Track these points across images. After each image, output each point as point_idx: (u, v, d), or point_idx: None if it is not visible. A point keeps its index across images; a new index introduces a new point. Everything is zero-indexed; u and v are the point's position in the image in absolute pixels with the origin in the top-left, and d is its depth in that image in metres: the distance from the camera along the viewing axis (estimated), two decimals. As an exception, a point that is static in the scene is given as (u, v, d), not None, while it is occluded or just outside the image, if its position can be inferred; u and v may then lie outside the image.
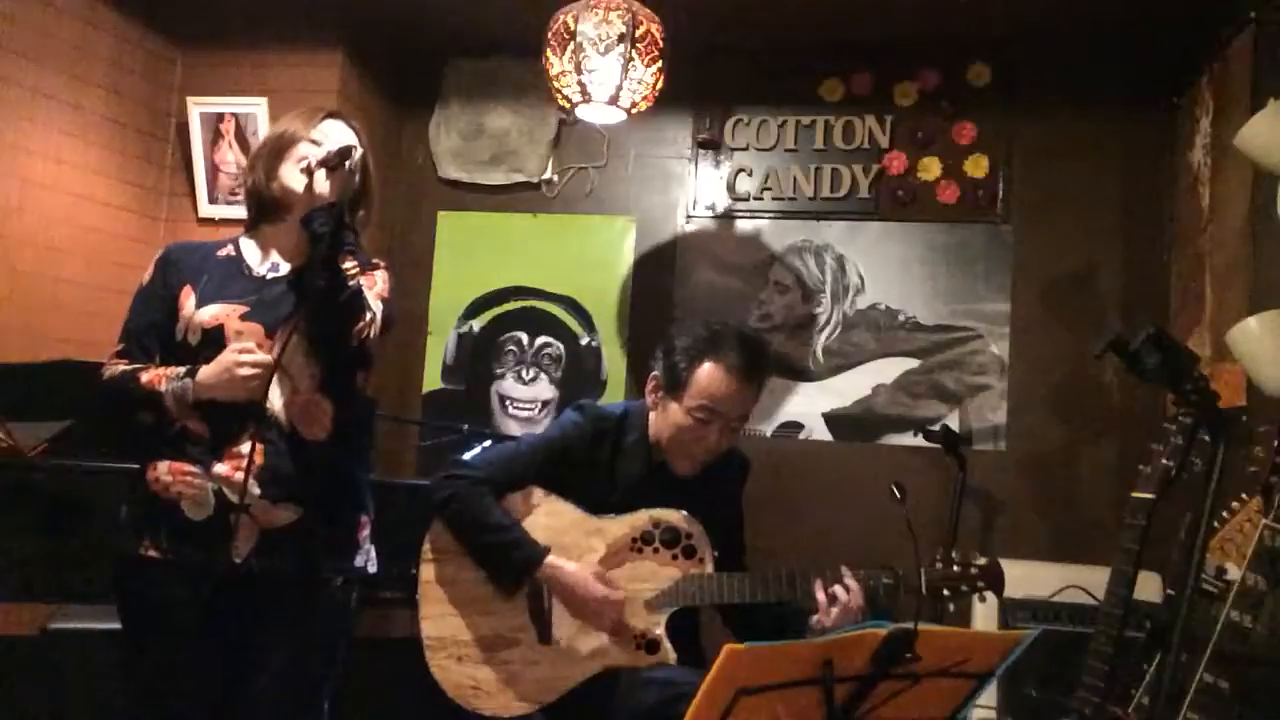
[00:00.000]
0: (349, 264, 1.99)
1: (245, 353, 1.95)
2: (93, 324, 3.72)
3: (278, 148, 2.09)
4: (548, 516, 2.32)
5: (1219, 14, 3.27)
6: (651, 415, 2.39)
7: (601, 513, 2.32)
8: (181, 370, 1.99)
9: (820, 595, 2.17)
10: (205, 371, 1.97)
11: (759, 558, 2.50)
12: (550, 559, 2.25)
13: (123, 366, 2.05)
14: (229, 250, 2.13)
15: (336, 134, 2.11)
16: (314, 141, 2.09)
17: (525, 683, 2.26)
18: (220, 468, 1.97)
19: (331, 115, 2.15)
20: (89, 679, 2.68)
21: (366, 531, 2.14)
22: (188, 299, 2.05)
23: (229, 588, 1.97)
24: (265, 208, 2.11)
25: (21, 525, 2.63)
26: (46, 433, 2.78)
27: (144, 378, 2.01)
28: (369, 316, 2.04)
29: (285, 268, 2.10)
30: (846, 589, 2.16)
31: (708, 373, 2.26)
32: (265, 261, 2.11)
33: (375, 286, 2.11)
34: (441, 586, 2.32)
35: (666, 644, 2.24)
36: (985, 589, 2.18)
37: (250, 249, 2.13)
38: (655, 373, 2.37)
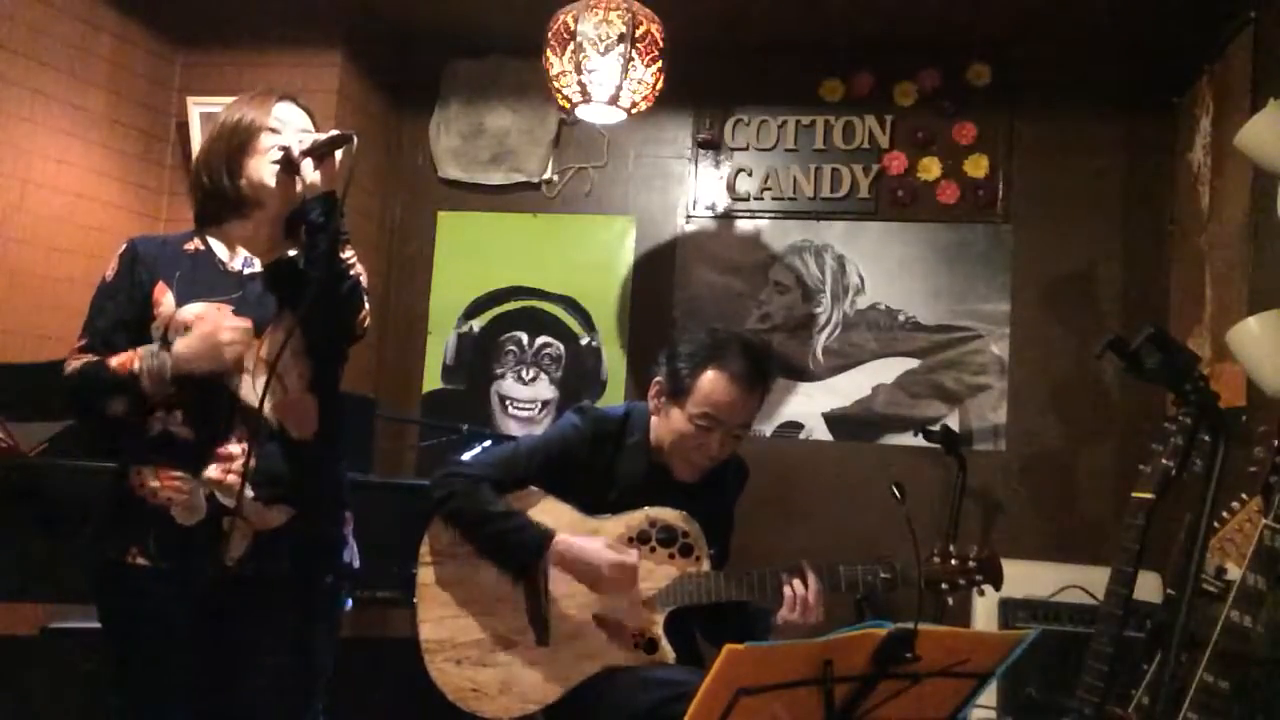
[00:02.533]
0: (347, 253, 1.97)
1: (221, 325, 1.90)
2: (93, 324, 3.72)
3: (235, 141, 2.00)
4: (545, 516, 2.32)
5: (1219, 14, 3.27)
6: (654, 419, 2.39)
7: (599, 513, 2.32)
8: (155, 347, 1.91)
9: (788, 590, 2.18)
10: (183, 343, 1.90)
11: (758, 558, 2.50)
12: (559, 536, 2.24)
13: (87, 358, 1.97)
14: (196, 244, 2.04)
15: (293, 117, 2.04)
16: (272, 130, 2.00)
17: (525, 684, 2.26)
18: (210, 471, 1.92)
19: (282, 98, 2.07)
20: (89, 679, 2.67)
21: (349, 527, 2.13)
22: (164, 296, 1.97)
23: (221, 591, 1.95)
24: (227, 205, 2.02)
25: (21, 525, 2.63)
26: (46, 433, 2.78)
27: (113, 362, 1.92)
28: (366, 306, 2.03)
29: (259, 263, 2.03)
30: (805, 583, 2.17)
31: (710, 380, 2.26)
32: (236, 257, 2.04)
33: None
34: (440, 589, 2.32)
35: (665, 643, 2.24)
36: (983, 582, 2.18)
37: (218, 245, 2.05)
38: (658, 378, 2.37)
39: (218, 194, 2.01)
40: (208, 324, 1.91)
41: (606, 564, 2.22)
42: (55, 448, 2.79)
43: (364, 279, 2.07)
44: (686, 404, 2.27)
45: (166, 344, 1.94)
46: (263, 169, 1.98)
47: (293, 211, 1.98)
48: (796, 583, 2.18)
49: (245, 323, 1.92)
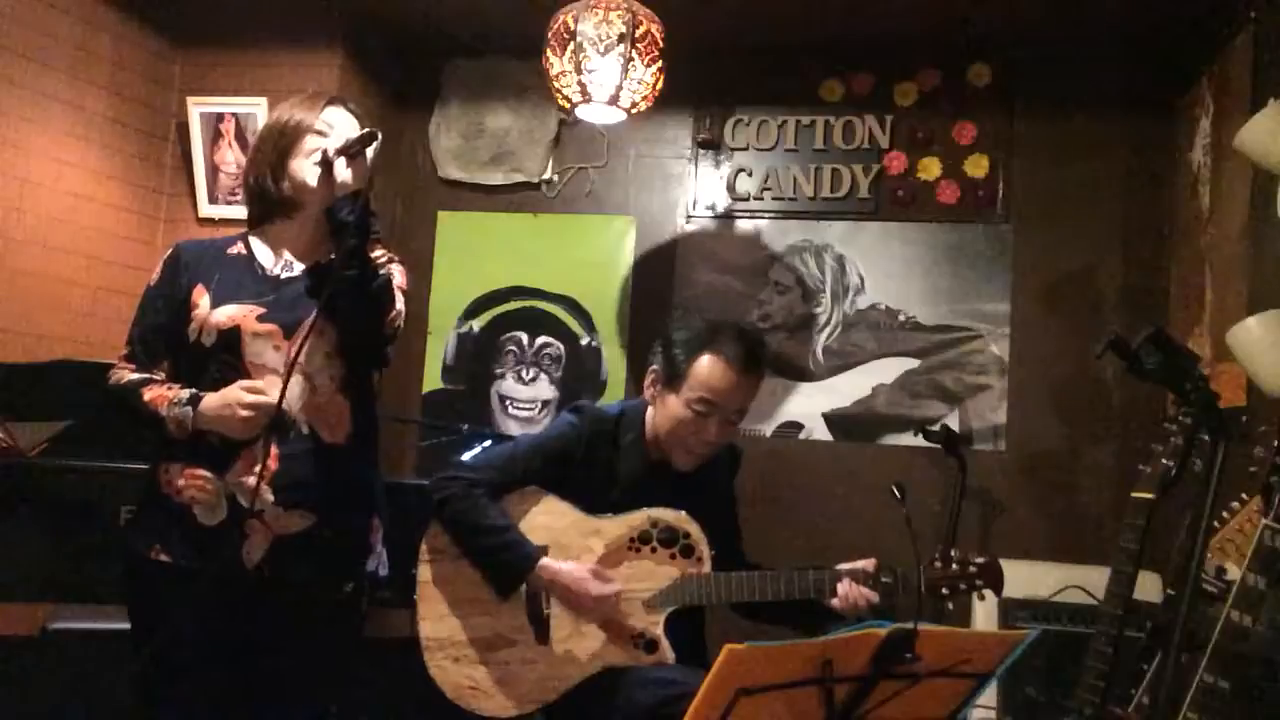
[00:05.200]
0: (378, 252, 1.97)
1: (251, 391, 1.91)
2: (93, 324, 3.72)
3: (283, 142, 2.02)
4: (546, 516, 2.32)
5: (1219, 14, 3.27)
6: (649, 410, 2.40)
7: (600, 513, 2.32)
8: (184, 396, 1.94)
9: (836, 604, 2.19)
10: (208, 403, 1.92)
11: (757, 558, 2.51)
12: (545, 560, 2.25)
13: (128, 374, 2.01)
14: (239, 248, 2.08)
15: (341, 122, 2.06)
16: (319, 132, 2.03)
17: (524, 683, 2.26)
18: (233, 472, 1.94)
19: (333, 102, 2.09)
20: (89, 679, 2.67)
21: (379, 535, 2.13)
22: (201, 298, 2.00)
23: (241, 592, 1.95)
24: (273, 206, 2.05)
25: (21, 525, 2.63)
26: (46, 433, 2.78)
27: (147, 396, 1.96)
28: (398, 307, 2.02)
29: (299, 266, 2.05)
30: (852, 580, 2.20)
31: (707, 364, 2.27)
32: (278, 261, 2.07)
33: (395, 279, 2.06)
34: (439, 587, 2.32)
35: (665, 643, 2.24)
36: (984, 587, 2.19)
37: (260, 248, 2.08)
38: (654, 366, 2.38)
39: (263, 195, 2.04)
40: (231, 396, 1.92)
41: (587, 596, 2.23)
42: (55, 448, 2.79)
43: (402, 277, 2.09)
44: (683, 389, 2.28)
45: (200, 348, 1.97)
46: (305, 170, 2.00)
47: (325, 208, 1.98)
48: (840, 588, 2.19)
49: (268, 400, 1.91)
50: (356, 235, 1.89)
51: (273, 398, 1.90)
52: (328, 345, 2.00)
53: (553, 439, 2.39)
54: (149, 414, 1.95)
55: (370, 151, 1.96)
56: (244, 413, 1.90)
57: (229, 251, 2.07)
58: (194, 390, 1.95)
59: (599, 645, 2.26)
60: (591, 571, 2.25)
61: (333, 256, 1.98)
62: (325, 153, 1.98)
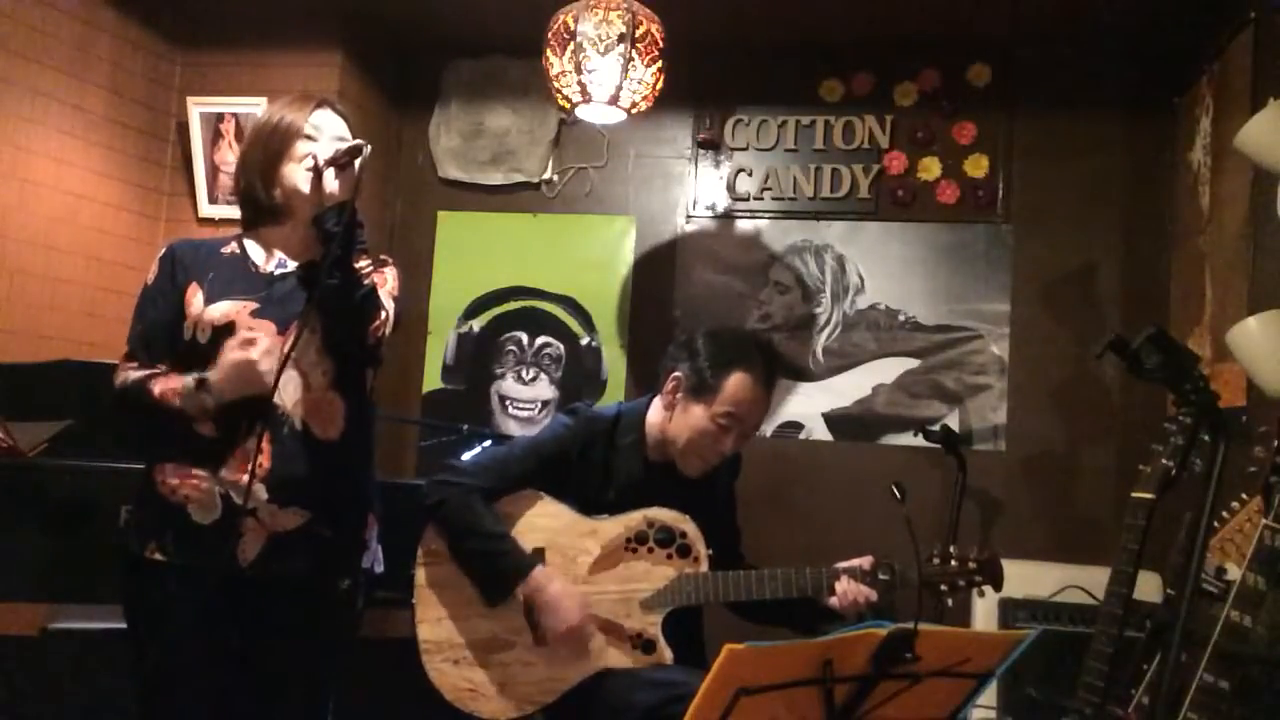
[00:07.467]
0: (363, 262, 1.97)
1: (249, 345, 1.89)
2: (93, 324, 3.72)
3: (272, 146, 2.01)
4: (543, 517, 2.32)
5: (1219, 14, 3.27)
6: (658, 413, 2.39)
7: (597, 513, 2.32)
8: (191, 382, 1.92)
9: (834, 602, 2.19)
10: (217, 376, 1.91)
11: (757, 558, 2.51)
12: (536, 573, 2.24)
13: (133, 374, 2.00)
14: (233, 248, 2.08)
15: (330, 124, 2.06)
16: (309, 136, 2.02)
17: (522, 685, 2.26)
18: (227, 470, 1.93)
19: (321, 104, 2.08)
20: (89, 679, 2.67)
21: (374, 531, 2.13)
22: (195, 296, 2.00)
23: (236, 591, 1.95)
24: (263, 211, 2.05)
25: (21, 525, 2.63)
26: (46, 433, 2.78)
27: (156, 390, 1.95)
28: (384, 315, 2.02)
29: (292, 264, 2.05)
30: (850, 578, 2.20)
31: (738, 381, 2.28)
32: (270, 259, 2.07)
33: (386, 284, 2.07)
34: (437, 589, 2.32)
35: (663, 644, 2.24)
36: (984, 583, 2.19)
37: (254, 247, 2.08)
38: (678, 373, 2.36)
39: (253, 200, 2.05)
40: (228, 359, 1.90)
41: (558, 630, 2.22)
42: (55, 448, 2.79)
43: (394, 282, 2.10)
44: (713, 402, 2.29)
45: (196, 345, 1.96)
46: (296, 176, 2.00)
47: (312, 218, 1.98)
48: (839, 585, 2.20)
49: (268, 336, 1.91)
50: (342, 247, 1.90)
51: (263, 335, 1.90)
52: (319, 342, 2.00)
53: (548, 441, 2.39)
54: (163, 409, 1.94)
55: (358, 163, 1.96)
56: (249, 354, 1.88)
57: (222, 251, 2.08)
58: (195, 375, 1.93)
59: (597, 646, 2.26)
60: (581, 605, 2.23)
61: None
62: (316, 161, 1.98)
